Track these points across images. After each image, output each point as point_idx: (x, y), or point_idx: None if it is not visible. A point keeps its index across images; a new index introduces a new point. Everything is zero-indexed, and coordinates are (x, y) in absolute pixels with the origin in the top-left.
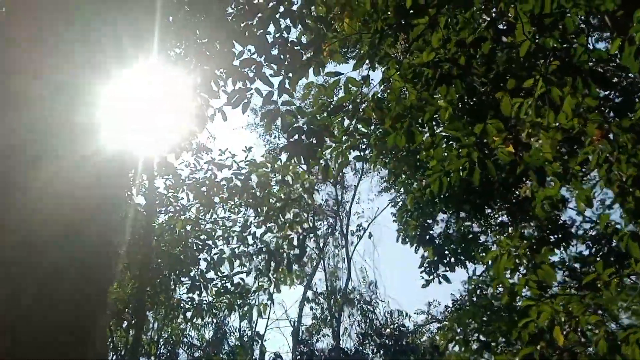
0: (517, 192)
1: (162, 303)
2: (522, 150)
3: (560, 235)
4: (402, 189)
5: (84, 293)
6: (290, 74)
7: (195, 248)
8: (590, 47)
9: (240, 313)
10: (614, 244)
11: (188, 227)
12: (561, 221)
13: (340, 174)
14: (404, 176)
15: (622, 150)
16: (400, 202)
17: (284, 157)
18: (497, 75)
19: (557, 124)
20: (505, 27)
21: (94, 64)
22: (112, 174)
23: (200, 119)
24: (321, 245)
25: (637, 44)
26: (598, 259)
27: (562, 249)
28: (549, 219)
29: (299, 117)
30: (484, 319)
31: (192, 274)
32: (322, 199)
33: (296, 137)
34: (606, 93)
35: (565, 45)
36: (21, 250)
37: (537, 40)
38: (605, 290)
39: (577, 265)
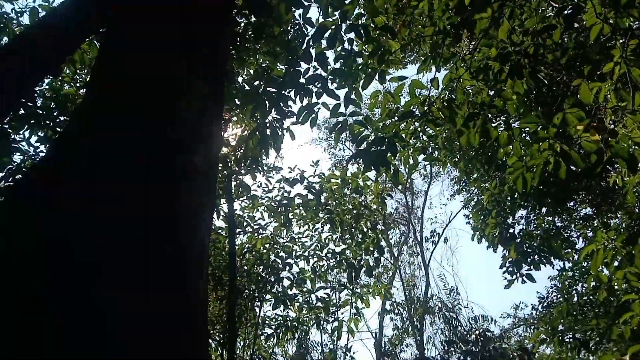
0: (602, 183)
1: (249, 321)
2: (607, 137)
3: None
4: (475, 189)
5: None
6: (355, 85)
7: (275, 266)
8: None
9: (327, 329)
10: None
11: (267, 246)
12: None
13: (409, 180)
14: (476, 175)
15: None
16: (474, 202)
17: (352, 167)
18: (569, 62)
19: None
20: (571, 11)
21: None
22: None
23: (275, 139)
24: (396, 254)
25: None
26: None
27: None
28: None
29: (367, 126)
30: (578, 317)
31: (274, 290)
32: (393, 207)
33: (365, 145)
34: None
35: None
36: None
37: (610, 21)
38: None
39: None
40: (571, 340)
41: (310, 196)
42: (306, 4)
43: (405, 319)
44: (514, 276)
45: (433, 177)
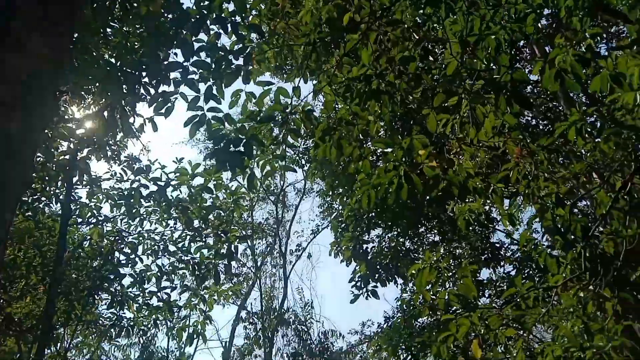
0: (447, 212)
1: (79, 318)
2: (447, 166)
3: (489, 255)
4: (338, 202)
5: None
6: (218, 80)
7: (117, 262)
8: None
9: (171, 332)
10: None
11: (111, 239)
12: (491, 242)
13: (282, 193)
14: (341, 190)
15: (540, 167)
16: (335, 214)
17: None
18: (425, 93)
19: (481, 143)
20: (432, 47)
21: None
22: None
23: (126, 126)
24: (258, 264)
25: (557, 67)
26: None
27: (491, 268)
28: (480, 239)
29: (226, 124)
30: (414, 334)
31: (113, 289)
32: (263, 217)
33: (223, 144)
34: (529, 115)
35: (486, 66)
36: None
37: (464, 60)
38: (523, 304)
39: (504, 285)
40: (404, 351)
41: (153, 188)
42: None
43: (258, 329)
44: (361, 291)
45: (306, 192)
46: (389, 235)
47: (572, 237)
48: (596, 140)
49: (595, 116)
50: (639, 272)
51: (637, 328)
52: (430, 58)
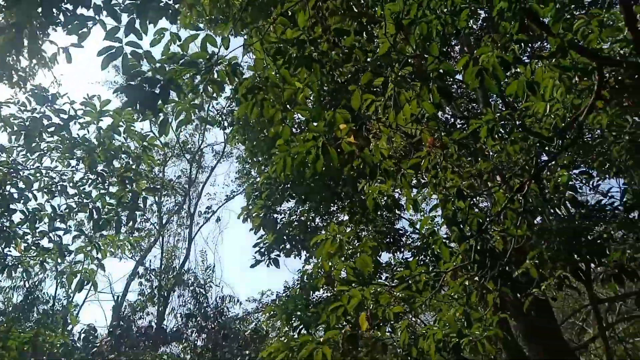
0: (359, 193)
1: None
2: (363, 145)
3: (392, 240)
4: (256, 170)
5: None
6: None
7: (8, 196)
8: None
9: (60, 279)
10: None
11: (4, 170)
12: (395, 228)
13: (200, 152)
14: (261, 158)
15: (449, 159)
16: (252, 182)
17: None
18: (357, 71)
19: (399, 128)
20: (370, 27)
21: None
22: None
23: (34, 49)
24: (163, 221)
25: (480, 64)
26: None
27: (391, 253)
28: (387, 225)
29: (145, 62)
30: (310, 306)
31: (0, 224)
32: (175, 175)
33: (137, 81)
34: (448, 113)
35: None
36: None
37: (397, 44)
38: (415, 286)
39: (401, 270)
40: (297, 320)
41: (57, 120)
42: None
43: (154, 287)
44: (263, 257)
45: (224, 155)
46: (301, 209)
47: (468, 230)
48: (503, 142)
49: (507, 120)
50: (521, 270)
51: (512, 325)
52: (365, 35)
